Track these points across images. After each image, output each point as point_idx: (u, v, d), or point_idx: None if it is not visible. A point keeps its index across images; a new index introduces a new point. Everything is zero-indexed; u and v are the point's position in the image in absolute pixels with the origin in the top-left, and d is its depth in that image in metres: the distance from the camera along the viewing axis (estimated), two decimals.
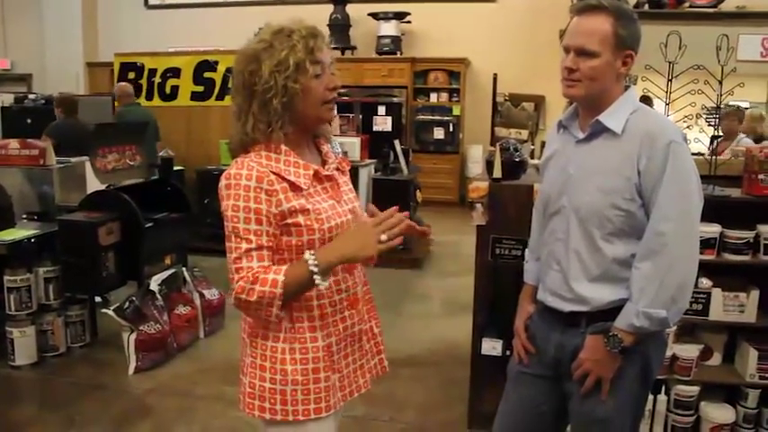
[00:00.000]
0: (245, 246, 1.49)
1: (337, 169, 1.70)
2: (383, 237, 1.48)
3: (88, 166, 4.46)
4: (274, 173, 1.52)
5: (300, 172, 1.56)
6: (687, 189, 1.67)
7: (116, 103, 6.93)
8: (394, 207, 1.55)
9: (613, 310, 1.75)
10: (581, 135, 1.80)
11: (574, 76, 1.71)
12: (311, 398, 1.60)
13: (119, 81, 7.20)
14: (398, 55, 9.39)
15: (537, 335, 1.94)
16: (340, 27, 9.44)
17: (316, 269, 1.47)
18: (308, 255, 1.48)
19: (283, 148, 1.56)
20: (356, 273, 1.69)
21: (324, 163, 1.67)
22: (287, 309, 1.55)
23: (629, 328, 1.71)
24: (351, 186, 1.74)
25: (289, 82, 1.51)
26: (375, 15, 9.34)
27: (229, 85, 1.68)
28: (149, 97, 7.26)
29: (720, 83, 2.77)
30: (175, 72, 7.21)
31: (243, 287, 1.47)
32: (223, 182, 1.53)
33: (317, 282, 1.47)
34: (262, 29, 1.58)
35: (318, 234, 1.54)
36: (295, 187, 1.54)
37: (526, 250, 2.14)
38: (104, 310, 3.91)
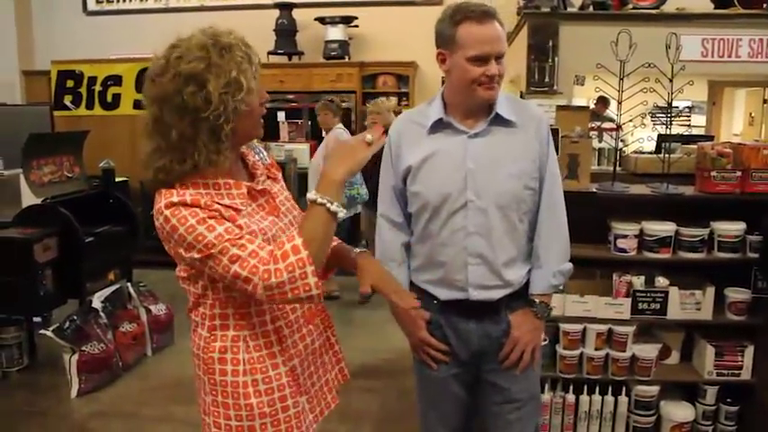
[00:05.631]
0: (227, 243, 1.32)
1: (268, 177, 1.58)
2: (368, 137, 1.40)
3: (23, 179, 4.23)
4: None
5: (234, 192, 1.44)
6: (556, 158, 1.95)
7: None
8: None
9: (526, 284, 1.93)
10: (472, 130, 1.84)
11: (496, 80, 1.78)
12: (282, 428, 1.49)
13: (56, 89, 6.92)
14: (346, 60, 9.29)
15: (453, 334, 1.92)
16: (286, 32, 9.28)
17: (330, 204, 1.35)
18: (312, 195, 1.35)
19: (209, 169, 1.41)
20: None
21: (253, 177, 1.55)
22: (242, 339, 1.45)
23: (550, 290, 1.92)
24: (287, 194, 1.63)
25: (238, 104, 1.37)
26: (322, 20, 9.22)
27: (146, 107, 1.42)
28: (90, 106, 7.00)
29: (671, 81, 2.77)
30: (116, 80, 6.97)
31: (268, 270, 1.30)
32: (159, 218, 1.36)
33: (339, 213, 1.36)
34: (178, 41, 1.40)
35: None
36: (234, 209, 1.40)
37: (381, 261, 2.02)
38: (43, 331, 3.70)
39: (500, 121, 1.84)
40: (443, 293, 1.91)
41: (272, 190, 1.56)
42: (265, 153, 1.65)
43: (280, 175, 1.65)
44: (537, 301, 1.91)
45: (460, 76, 1.79)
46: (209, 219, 1.34)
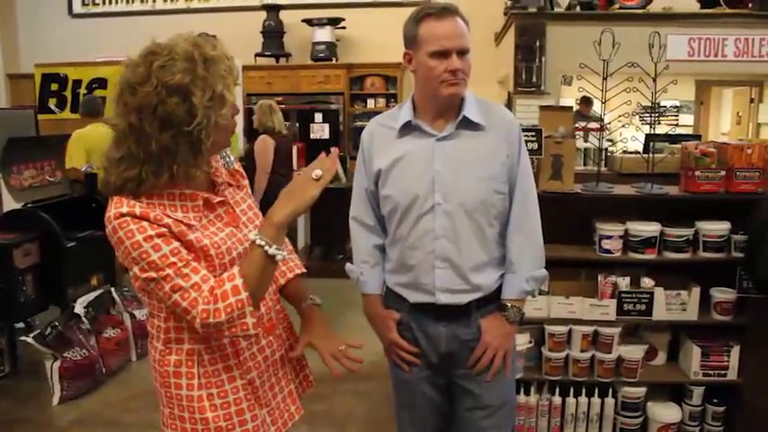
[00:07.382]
0: (171, 271, 1.30)
1: (230, 184, 1.54)
2: (317, 172, 1.33)
3: (3, 183, 4.17)
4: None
5: (188, 205, 1.39)
6: (530, 164, 1.94)
7: None
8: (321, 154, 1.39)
9: (498, 289, 1.91)
10: (440, 133, 1.83)
11: (459, 75, 1.77)
12: None
13: (41, 93, 6.85)
14: (334, 61, 9.26)
15: (423, 336, 1.92)
16: (274, 34, 9.24)
17: (269, 246, 1.31)
18: (253, 235, 1.33)
19: (181, 181, 1.36)
20: (269, 295, 1.53)
21: (214, 184, 1.50)
22: (197, 353, 1.42)
23: (522, 295, 1.90)
24: (249, 202, 1.58)
25: (219, 118, 1.34)
26: (309, 22, 9.19)
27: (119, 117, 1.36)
28: (74, 109, 6.92)
29: (654, 80, 2.75)
30: (102, 83, 6.89)
31: (207, 310, 1.29)
32: (108, 227, 1.33)
33: (275, 256, 1.32)
34: (154, 46, 1.34)
35: (220, 270, 1.39)
36: (185, 224, 1.36)
37: (354, 264, 2.05)
38: (23, 338, 3.64)
39: (468, 123, 1.83)
40: (412, 296, 1.91)
41: (232, 199, 1.51)
42: (232, 158, 1.61)
43: (245, 182, 1.61)
44: (509, 305, 1.89)
45: (425, 74, 1.79)
46: (157, 237, 1.31)
